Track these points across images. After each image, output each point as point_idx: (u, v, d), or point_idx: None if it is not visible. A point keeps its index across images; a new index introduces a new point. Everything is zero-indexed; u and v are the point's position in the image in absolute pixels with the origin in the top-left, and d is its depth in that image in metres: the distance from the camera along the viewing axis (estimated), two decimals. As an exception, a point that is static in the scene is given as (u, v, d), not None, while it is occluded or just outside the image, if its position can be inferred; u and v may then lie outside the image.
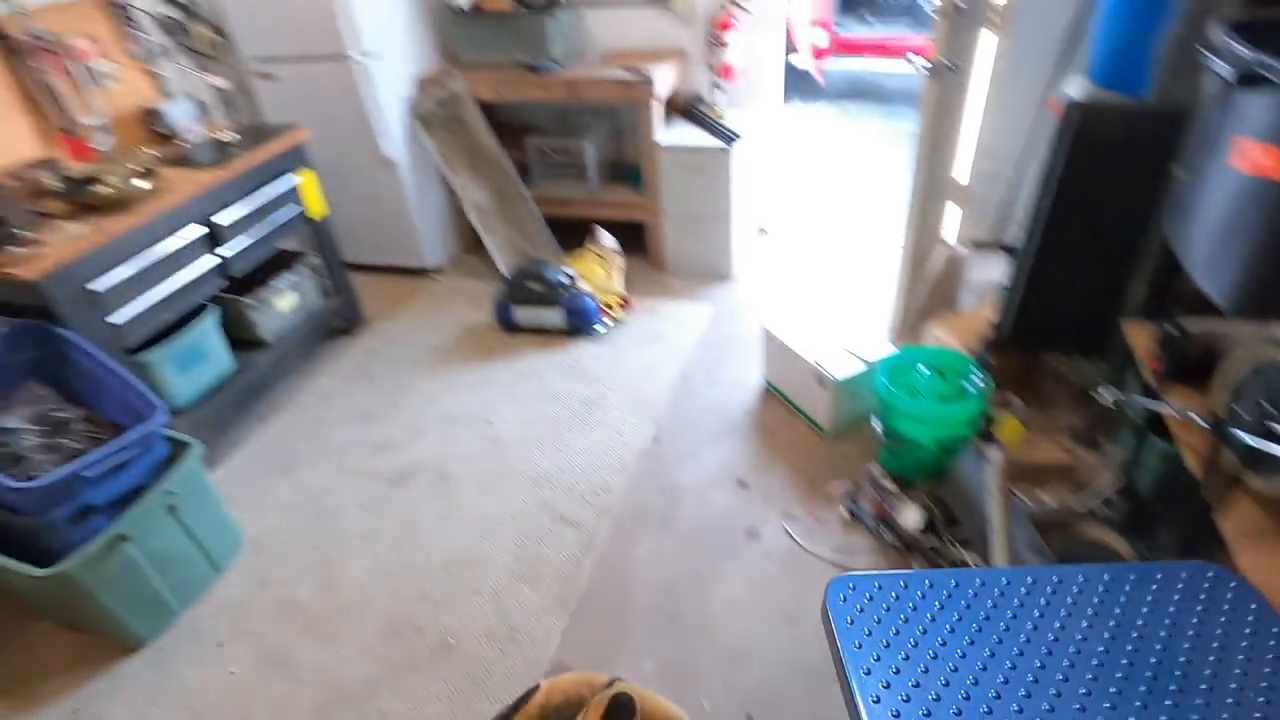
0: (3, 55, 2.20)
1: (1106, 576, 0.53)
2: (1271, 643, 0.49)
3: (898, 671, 0.47)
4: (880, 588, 0.53)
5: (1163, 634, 0.50)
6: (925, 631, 0.49)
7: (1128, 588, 0.52)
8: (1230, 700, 0.47)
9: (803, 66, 5.08)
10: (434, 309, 3.22)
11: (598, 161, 3.23)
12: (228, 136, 2.50)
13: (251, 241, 2.50)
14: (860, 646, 0.48)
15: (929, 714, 0.47)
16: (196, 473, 2.00)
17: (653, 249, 3.31)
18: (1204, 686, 0.47)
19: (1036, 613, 0.50)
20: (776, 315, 2.64)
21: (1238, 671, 0.48)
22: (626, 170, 3.38)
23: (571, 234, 3.27)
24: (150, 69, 2.65)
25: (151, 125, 2.55)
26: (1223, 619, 0.50)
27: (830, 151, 4.62)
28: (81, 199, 2.06)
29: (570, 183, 3.31)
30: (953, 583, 0.53)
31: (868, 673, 0.46)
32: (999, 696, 0.48)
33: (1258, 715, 0.46)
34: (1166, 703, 0.47)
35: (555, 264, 2.97)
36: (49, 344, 1.95)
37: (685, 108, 3.15)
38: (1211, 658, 0.49)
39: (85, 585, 1.71)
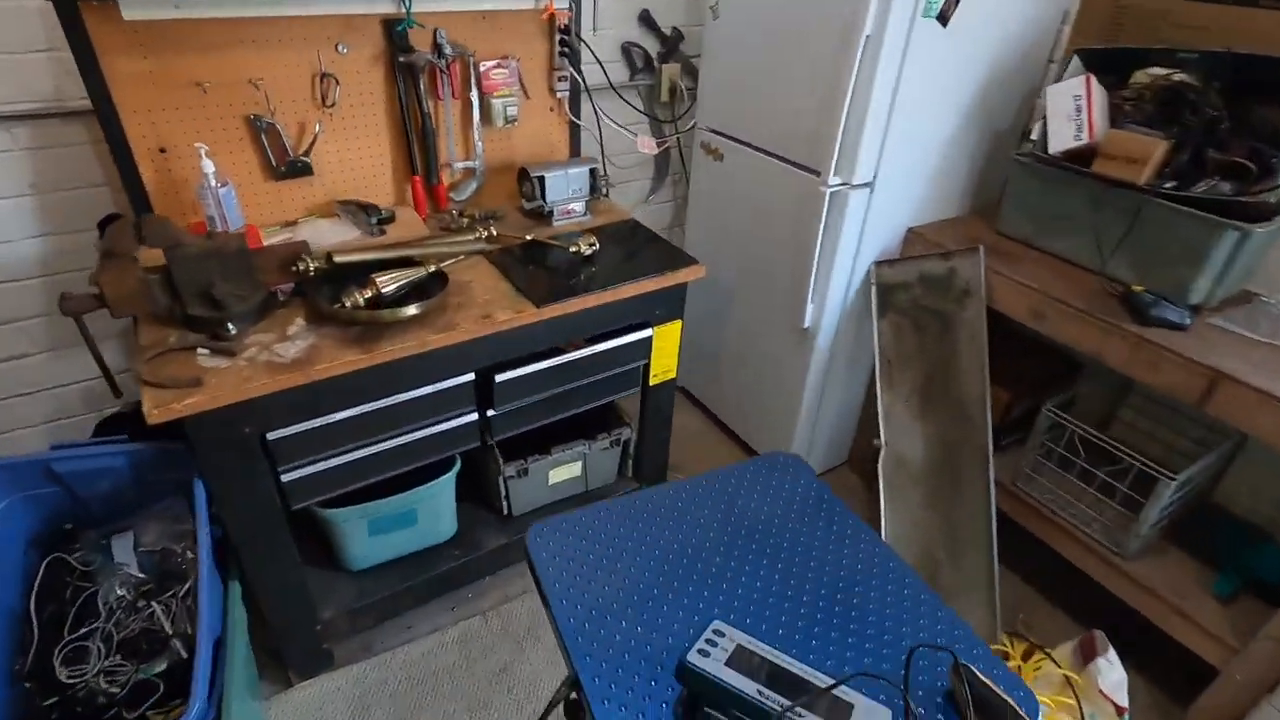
0: (386, 63, 1.64)
1: (727, 474, 0.71)
2: (813, 499, 0.68)
3: (589, 585, 0.55)
4: (568, 525, 0.63)
5: (763, 503, 0.67)
6: (609, 550, 0.59)
7: (747, 477, 0.70)
8: (791, 537, 0.64)
9: None
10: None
11: (1165, 506, 1.64)
12: (587, 247, 1.66)
13: (541, 399, 1.66)
14: (560, 577, 0.56)
15: (613, 604, 0.55)
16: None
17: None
18: (784, 535, 0.64)
19: (683, 510, 0.65)
20: None
21: (802, 521, 0.66)
22: (1220, 536, 1.71)
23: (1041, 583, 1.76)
24: (569, 116, 1.94)
25: (521, 190, 1.84)
26: (797, 488, 0.70)
27: None
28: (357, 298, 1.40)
29: (1089, 507, 1.78)
30: (620, 506, 0.65)
31: (562, 601, 0.54)
32: (663, 577, 0.59)
33: (814, 550, 0.64)
34: (766, 548, 0.62)
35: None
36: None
37: None
38: (789, 512, 0.67)
39: None
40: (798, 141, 1.84)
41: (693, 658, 0.48)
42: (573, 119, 1.96)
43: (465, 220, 1.78)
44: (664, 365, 1.84)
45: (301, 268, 1.39)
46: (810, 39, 1.73)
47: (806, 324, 1.97)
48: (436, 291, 1.47)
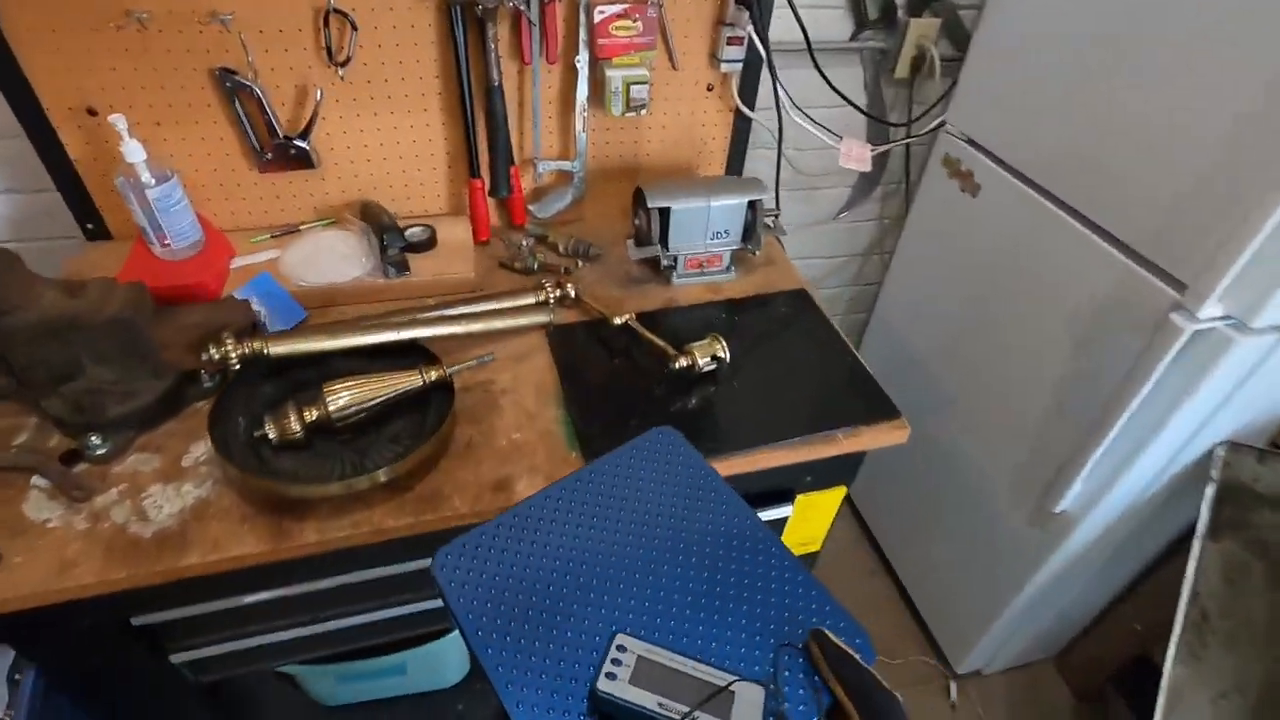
0: (439, 2, 0.99)
1: (620, 458, 0.64)
2: (691, 471, 0.63)
3: (501, 609, 0.52)
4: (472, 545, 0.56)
5: (650, 479, 0.63)
6: (515, 564, 0.55)
7: (631, 458, 0.63)
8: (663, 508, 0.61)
9: None
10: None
11: None
12: (708, 359, 0.96)
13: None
14: (473, 606, 0.52)
15: (525, 624, 0.52)
16: None
17: None
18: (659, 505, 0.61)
19: (581, 505, 0.59)
20: None
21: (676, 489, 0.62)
22: None
23: None
24: (735, 103, 1.19)
25: (633, 219, 1.16)
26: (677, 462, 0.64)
27: None
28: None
29: None
30: (523, 512, 0.59)
31: (479, 632, 0.50)
32: (580, 581, 0.55)
33: (698, 512, 0.61)
34: (657, 539, 0.59)
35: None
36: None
37: None
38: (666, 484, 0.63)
39: None
40: (1149, 217, 0.98)
41: (602, 683, 0.48)
42: (741, 107, 1.21)
43: (536, 257, 1.14)
44: (805, 536, 1.15)
45: (216, 356, 0.83)
46: (1247, 38, 0.84)
47: (1061, 509, 1.17)
48: (432, 420, 0.87)
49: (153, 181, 0.94)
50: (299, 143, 1.03)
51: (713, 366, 0.97)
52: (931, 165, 1.41)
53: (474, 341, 1.01)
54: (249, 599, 0.86)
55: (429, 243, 1.12)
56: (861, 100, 1.44)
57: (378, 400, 0.85)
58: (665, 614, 0.54)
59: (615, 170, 1.24)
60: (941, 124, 1.37)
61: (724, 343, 0.97)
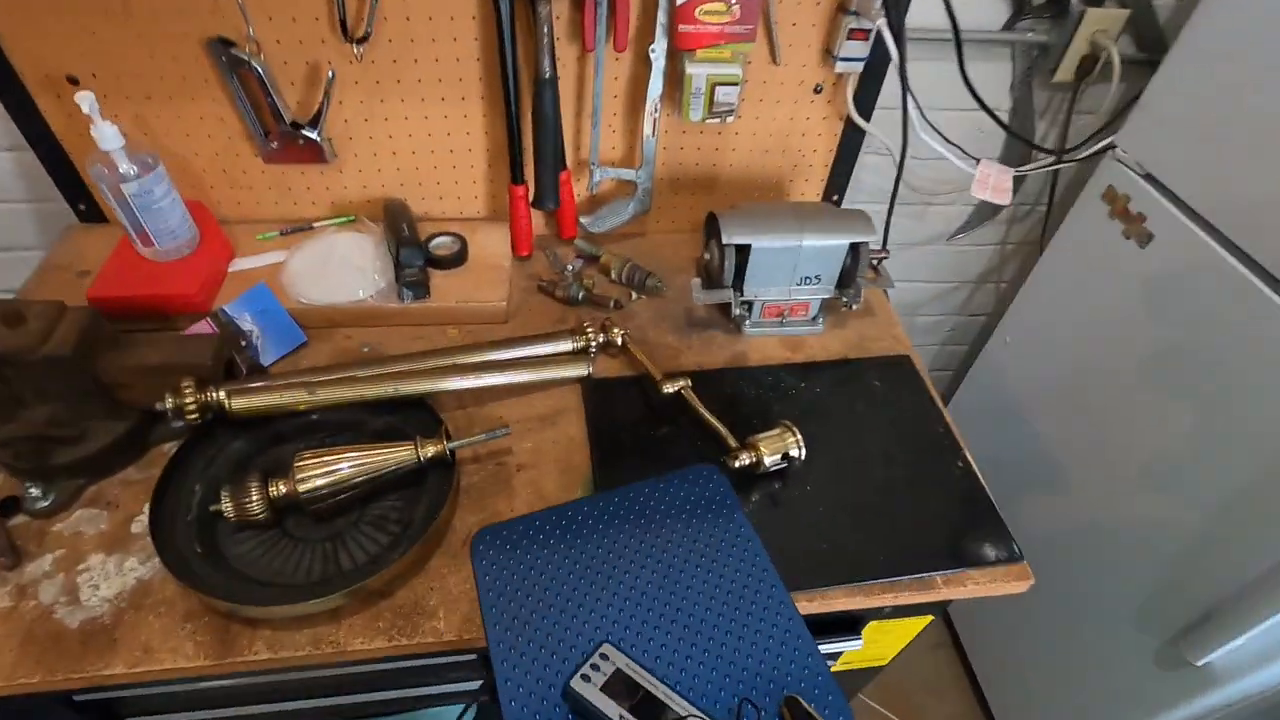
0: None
1: (659, 485, 0.66)
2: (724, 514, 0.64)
3: (518, 594, 0.56)
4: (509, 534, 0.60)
5: (681, 511, 0.64)
6: (540, 558, 0.58)
7: (671, 487, 0.66)
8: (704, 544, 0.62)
9: None
10: None
11: None
12: (775, 456, 0.76)
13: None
14: (495, 586, 0.56)
15: (534, 613, 0.56)
16: None
17: None
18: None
19: (612, 521, 0.62)
20: None
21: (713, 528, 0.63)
22: None
23: None
24: (849, 111, 0.94)
25: (703, 252, 0.94)
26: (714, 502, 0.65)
27: None
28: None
29: None
30: (568, 513, 0.61)
31: (493, 609, 0.55)
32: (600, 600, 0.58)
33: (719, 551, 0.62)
34: (670, 564, 0.60)
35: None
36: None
37: None
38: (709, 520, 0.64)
39: None
40: None
41: (575, 682, 0.52)
42: (855, 117, 0.96)
43: (583, 285, 0.94)
44: (871, 656, 0.95)
45: (172, 407, 0.68)
46: None
47: (1205, 661, 0.93)
48: (423, 513, 0.70)
49: (132, 172, 0.79)
50: (308, 132, 0.85)
51: (782, 465, 0.76)
52: (1087, 196, 1.13)
53: (494, 396, 0.83)
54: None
55: (458, 257, 0.94)
56: (1005, 104, 1.16)
57: (360, 479, 0.69)
58: (657, 637, 0.57)
59: (689, 181, 1.02)
60: (1110, 147, 1.08)
61: (798, 436, 0.76)
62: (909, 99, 0.87)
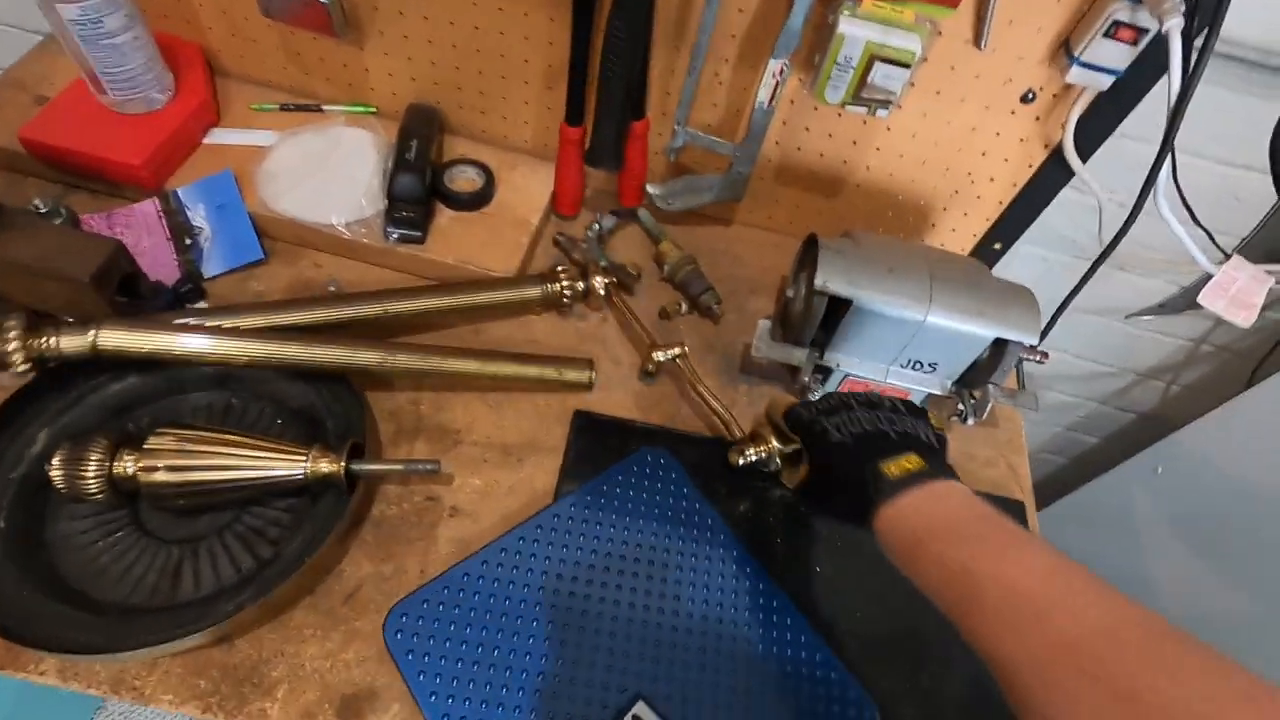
0: None
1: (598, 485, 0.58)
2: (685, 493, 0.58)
3: (459, 665, 0.48)
4: (427, 602, 0.51)
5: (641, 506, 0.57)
6: (472, 618, 0.50)
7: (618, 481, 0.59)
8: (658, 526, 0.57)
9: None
10: None
11: None
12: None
13: None
14: (424, 669, 0.48)
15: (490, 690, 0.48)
16: None
17: None
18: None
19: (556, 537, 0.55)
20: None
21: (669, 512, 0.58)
22: None
23: None
24: (1063, 141, 0.64)
25: (782, 295, 0.68)
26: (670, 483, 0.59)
27: None
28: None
29: None
30: (480, 562, 0.53)
31: (433, 695, 0.47)
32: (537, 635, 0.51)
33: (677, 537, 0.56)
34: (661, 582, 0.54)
35: None
36: None
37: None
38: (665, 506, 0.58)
39: None
40: None
41: None
42: (1069, 153, 0.65)
43: (603, 254, 0.72)
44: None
45: (12, 348, 0.52)
46: None
47: None
48: (302, 531, 0.52)
49: (84, -19, 0.60)
50: (314, -11, 0.63)
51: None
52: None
53: (466, 385, 0.64)
54: None
55: (480, 197, 0.73)
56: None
57: (219, 487, 0.52)
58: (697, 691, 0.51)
59: (805, 174, 0.75)
60: None
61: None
62: (1169, 157, 0.56)
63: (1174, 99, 0.51)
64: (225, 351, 0.55)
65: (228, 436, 0.52)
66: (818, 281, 0.59)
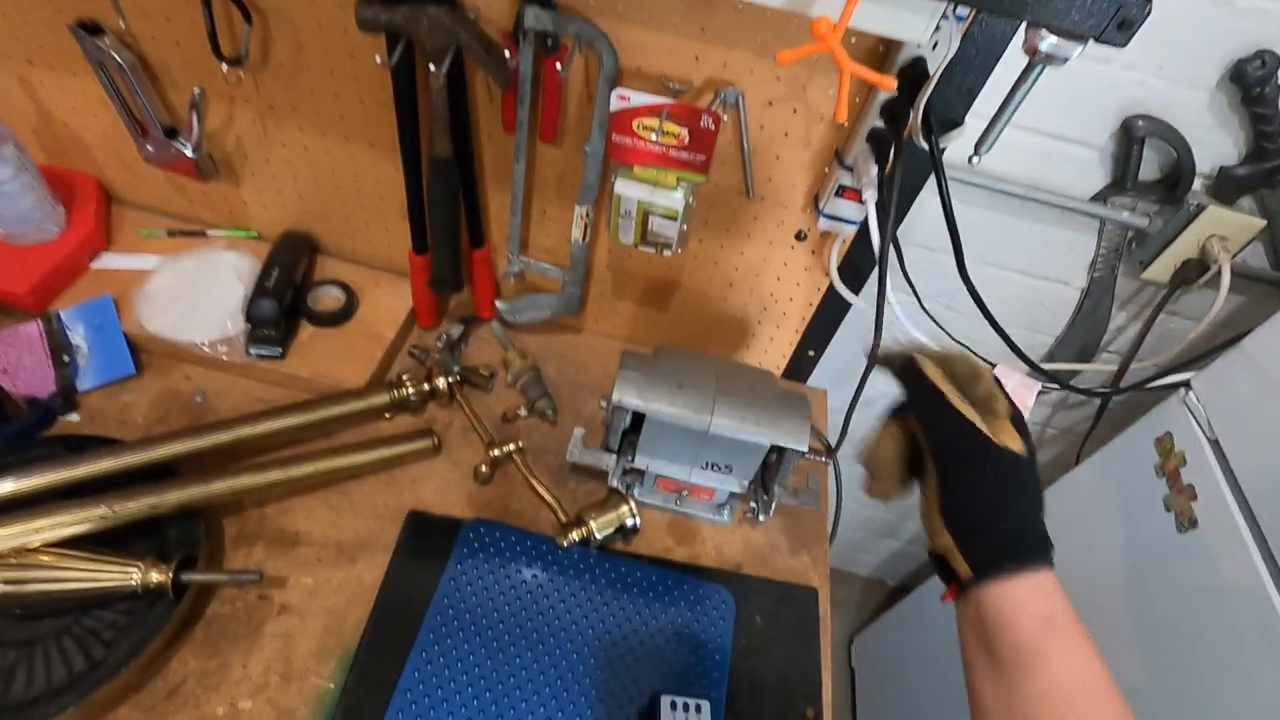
0: None
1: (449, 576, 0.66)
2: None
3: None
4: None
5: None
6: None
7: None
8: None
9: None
10: None
11: None
12: (618, 524, 0.60)
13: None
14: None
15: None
16: None
17: None
18: None
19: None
20: None
21: None
22: None
23: None
24: (832, 278, 0.74)
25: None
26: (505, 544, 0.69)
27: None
28: None
29: None
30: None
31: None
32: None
33: None
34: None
35: None
36: None
37: None
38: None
39: None
40: None
41: None
42: (839, 287, 0.75)
43: (455, 360, 0.80)
44: None
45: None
46: None
47: None
48: (133, 634, 0.58)
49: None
50: (180, 145, 0.73)
51: (616, 539, 0.61)
52: (1140, 433, 0.88)
53: (310, 486, 0.71)
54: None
55: (342, 314, 0.81)
56: (1079, 280, 0.92)
57: (57, 596, 0.58)
58: None
59: (636, 293, 0.85)
60: (1183, 385, 0.83)
61: (632, 504, 0.61)
62: (884, 301, 0.65)
63: (879, 250, 0.60)
64: (43, 535, 0.62)
65: (66, 550, 0.59)
66: (615, 397, 0.68)
